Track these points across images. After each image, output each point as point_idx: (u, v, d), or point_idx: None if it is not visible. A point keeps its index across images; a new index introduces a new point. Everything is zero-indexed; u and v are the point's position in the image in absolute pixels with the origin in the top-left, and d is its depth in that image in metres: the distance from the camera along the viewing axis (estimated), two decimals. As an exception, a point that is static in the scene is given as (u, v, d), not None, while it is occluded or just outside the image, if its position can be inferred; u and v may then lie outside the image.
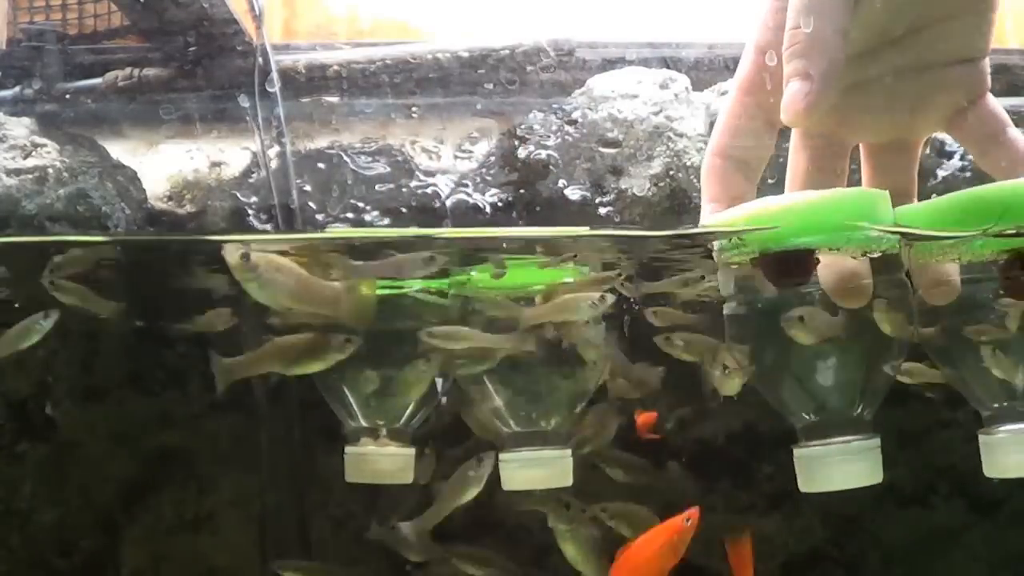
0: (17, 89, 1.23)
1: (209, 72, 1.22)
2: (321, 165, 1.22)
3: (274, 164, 1.22)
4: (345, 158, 1.22)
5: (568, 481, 0.93)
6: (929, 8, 0.78)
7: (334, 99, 1.23)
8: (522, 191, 1.19)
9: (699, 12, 1.35)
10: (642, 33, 1.29)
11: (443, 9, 1.37)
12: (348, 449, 0.98)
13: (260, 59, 1.21)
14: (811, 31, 0.74)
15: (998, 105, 0.85)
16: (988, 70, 0.84)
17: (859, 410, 0.87)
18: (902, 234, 0.80)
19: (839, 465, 0.86)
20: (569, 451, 0.93)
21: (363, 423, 0.99)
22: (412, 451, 0.98)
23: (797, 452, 0.87)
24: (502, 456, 0.93)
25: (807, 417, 0.87)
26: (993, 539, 1.35)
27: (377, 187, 1.21)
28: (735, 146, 0.83)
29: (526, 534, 1.29)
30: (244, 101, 1.21)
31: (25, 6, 1.29)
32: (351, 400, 0.99)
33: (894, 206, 0.80)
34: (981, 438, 0.87)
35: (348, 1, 1.38)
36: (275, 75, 1.20)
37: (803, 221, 0.78)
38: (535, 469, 0.93)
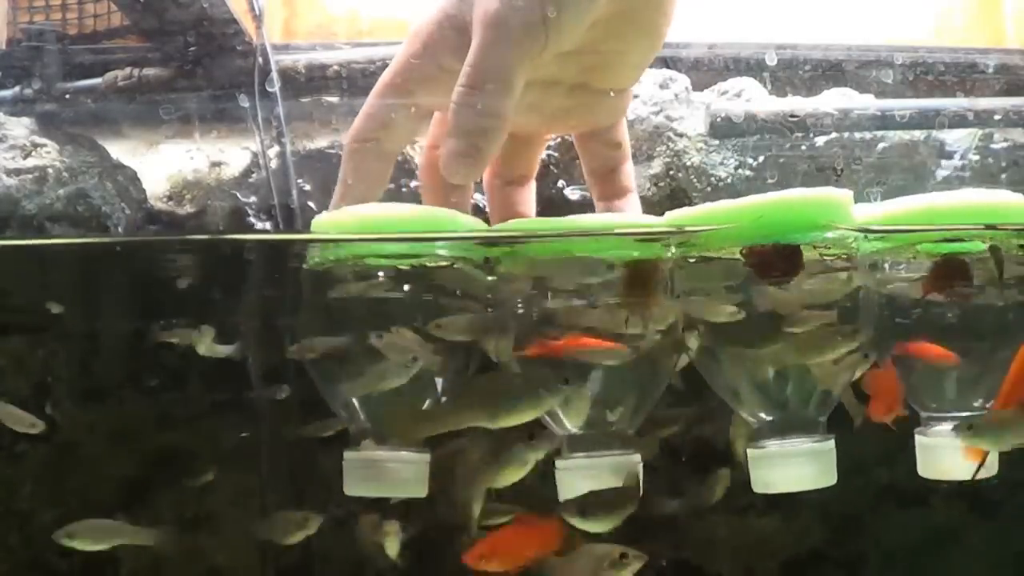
0: (17, 89, 1.23)
1: (209, 72, 1.22)
2: (321, 165, 1.22)
3: (274, 164, 1.22)
4: (345, 158, 1.22)
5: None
6: (603, 40, 0.81)
7: (334, 99, 1.23)
8: (522, 191, 1.19)
9: (699, 12, 1.35)
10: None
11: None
12: (347, 455, 0.86)
13: (260, 59, 1.20)
14: (480, 105, 0.75)
15: (626, 135, 0.92)
16: (630, 98, 0.92)
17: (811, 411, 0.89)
18: (863, 231, 0.82)
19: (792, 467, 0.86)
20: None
21: (367, 423, 0.87)
22: (427, 456, 0.87)
23: (751, 452, 0.87)
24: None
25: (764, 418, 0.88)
26: (993, 539, 1.35)
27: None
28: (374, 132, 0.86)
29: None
30: (244, 101, 1.20)
31: (25, 6, 1.29)
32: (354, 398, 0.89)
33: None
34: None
35: (348, 1, 1.38)
36: (275, 75, 1.20)
37: (765, 220, 0.80)
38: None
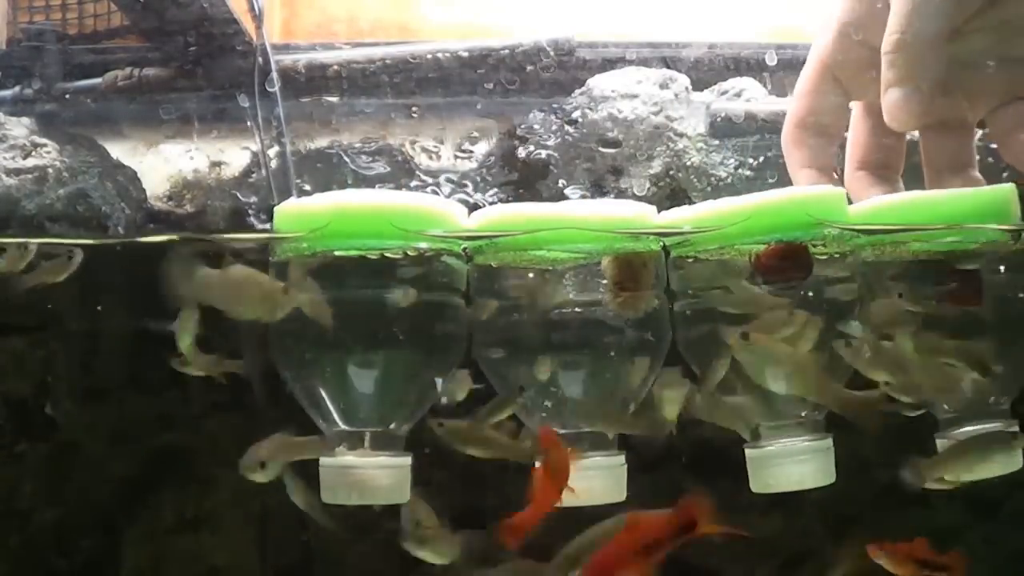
0: (17, 89, 1.23)
1: (209, 72, 1.22)
2: (321, 165, 1.22)
3: (274, 164, 1.22)
4: (345, 158, 1.22)
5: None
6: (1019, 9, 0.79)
7: (334, 99, 1.23)
8: (522, 191, 1.19)
9: (699, 12, 1.36)
10: (642, 33, 1.29)
11: (444, 9, 1.38)
12: (324, 462, 0.84)
13: (260, 59, 1.20)
14: (915, 40, 0.76)
15: None
16: None
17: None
18: (859, 231, 0.83)
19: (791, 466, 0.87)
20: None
21: (342, 427, 0.86)
22: (408, 461, 0.85)
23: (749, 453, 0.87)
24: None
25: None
26: (993, 539, 1.35)
27: (377, 187, 1.21)
28: (813, 114, 0.87)
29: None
30: (244, 101, 1.21)
31: (25, 6, 1.29)
32: (325, 396, 0.87)
33: (948, 180, 0.84)
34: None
35: (348, 1, 1.38)
36: (275, 75, 1.20)
37: (763, 221, 0.81)
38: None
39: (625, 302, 0.85)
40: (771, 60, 1.23)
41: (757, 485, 0.88)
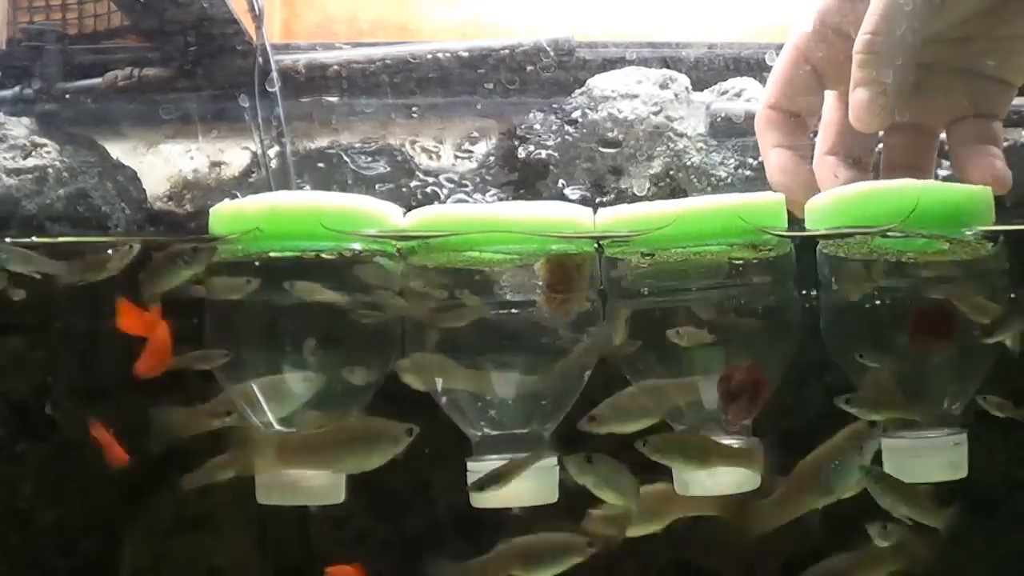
0: (17, 89, 1.23)
1: (209, 72, 1.22)
2: (321, 165, 1.22)
3: (274, 164, 1.22)
4: (345, 158, 1.22)
5: None
6: (994, 26, 0.81)
7: (334, 99, 1.23)
8: (522, 191, 1.19)
9: (699, 12, 1.36)
10: (642, 33, 1.29)
11: (444, 9, 1.38)
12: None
13: (260, 59, 1.20)
14: (887, 41, 0.76)
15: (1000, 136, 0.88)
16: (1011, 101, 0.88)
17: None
18: (800, 236, 0.84)
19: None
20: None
21: (276, 426, 0.86)
22: None
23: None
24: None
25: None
26: (993, 539, 1.35)
27: (377, 187, 1.21)
28: (787, 97, 0.88)
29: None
30: (244, 101, 1.21)
31: (25, 6, 1.29)
32: (256, 391, 0.87)
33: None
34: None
35: (348, 1, 1.38)
36: (275, 75, 1.20)
37: (703, 225, 0.82)
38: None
39: (557, 305, 0.85)
40: (771, 60, 1.22)
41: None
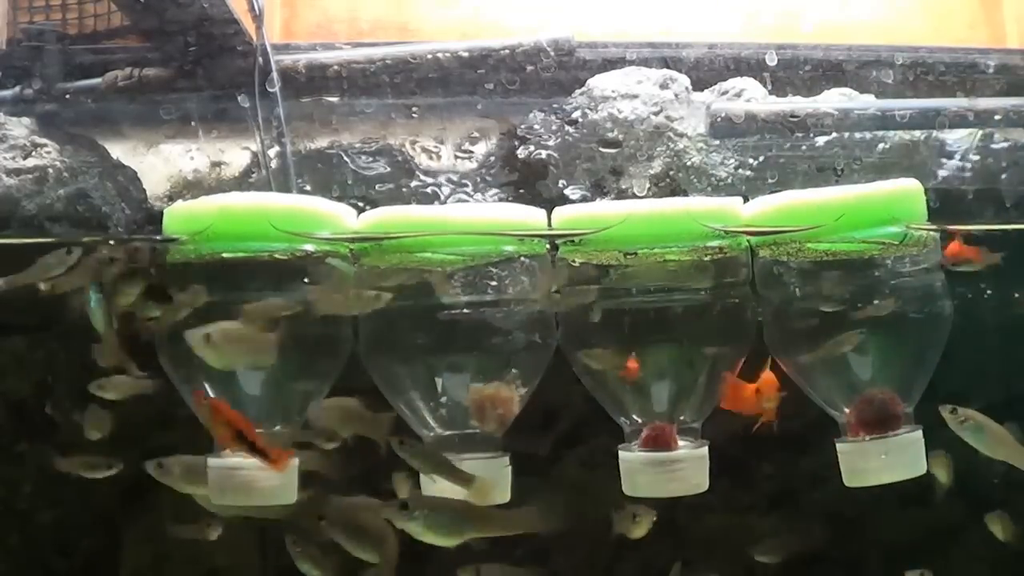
0: (17, 89, 1.23)
1: (209, 72, 1.22)
2: (321, 165, 1.22)
3: (274, 164, 1.22)
4: (345, 158, 1.22)
5: None
6: None
7: (334, 99, 1.23)
8: (522, 191, 1.19)
9: (699, 12, 1.36)
10: (642, 33, 1.29)
11: (444, 9, 1.38)
12: (211, 462, 0.84)
13: (260, 59, 1.20)
14: None
15: None
16: None
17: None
18: (749, 234, 0.84)
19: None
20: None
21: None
22: (295, 461, 0.84)
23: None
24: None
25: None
26: (993, 539, 1.35)
27: (377, 187, 1.21)
28: None
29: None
30: (244, 101, 1.21)
31: (25, 6, 1.29)
32: (209, 392, 0.86)
33: None
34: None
35: (348, 1, 1.38)
36: (275, 75, 1.20)
37: (655, 226, 0.82)
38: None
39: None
40: (771, 60, 1.23)
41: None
